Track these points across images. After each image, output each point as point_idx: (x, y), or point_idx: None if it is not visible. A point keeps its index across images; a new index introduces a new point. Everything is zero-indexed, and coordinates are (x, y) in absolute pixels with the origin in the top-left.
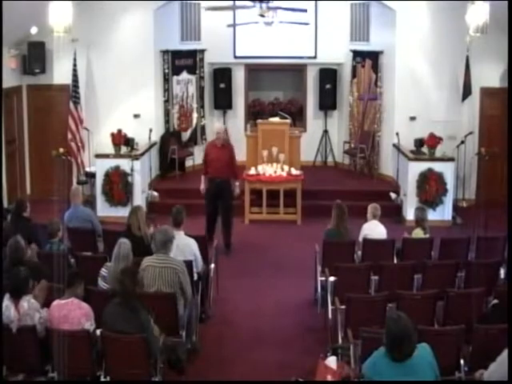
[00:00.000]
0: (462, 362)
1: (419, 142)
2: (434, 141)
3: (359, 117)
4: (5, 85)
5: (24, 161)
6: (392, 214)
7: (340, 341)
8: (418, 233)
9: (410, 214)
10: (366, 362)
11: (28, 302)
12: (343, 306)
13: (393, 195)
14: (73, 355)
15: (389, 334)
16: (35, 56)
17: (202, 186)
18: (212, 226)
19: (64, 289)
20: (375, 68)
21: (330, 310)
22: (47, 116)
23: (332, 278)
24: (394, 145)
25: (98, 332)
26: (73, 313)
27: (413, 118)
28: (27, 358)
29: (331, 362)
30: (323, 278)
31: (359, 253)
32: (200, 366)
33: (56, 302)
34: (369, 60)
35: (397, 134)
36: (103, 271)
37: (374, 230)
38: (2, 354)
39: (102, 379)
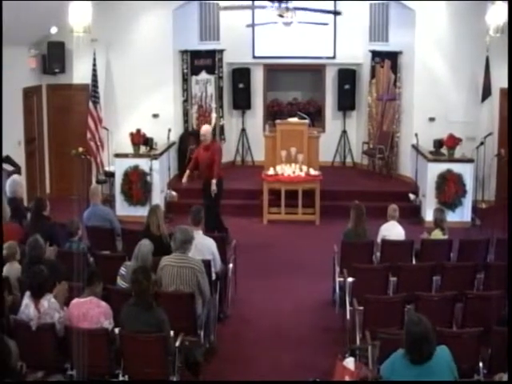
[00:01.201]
0: (480, 364)
1: (438, 143)
2: (453, 142)
3: (378, 117)
4: (25, 84)
5: (44, 160)
6: (411, 215)
7: (358, 342)
8: (437, 234)
9: (428, 215)
10: (384, 364)
11: (48, 302)
12: (361, 307)
13: (412, 196)
14: (91, 353)
15: (408, 335)
16: (55, 56)
17: (184, 180)
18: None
19: (83, 287)
20: (394, 68)
21: (348, 310)
22: (67, 115)
23: (350, 279)
24: (413, 145)
25: (117, 331)
26: (92, 311)
27: (432, 119)
28: (46, 355)
29: (349, 362)
30: (341, 279)
31: (377, 254)
32: (217, 365)
33: (75, 301)
34: (388, 60)
35: (416, 134)
36: (122, 270)
37: (393, 231)
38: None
39: (120, 378)
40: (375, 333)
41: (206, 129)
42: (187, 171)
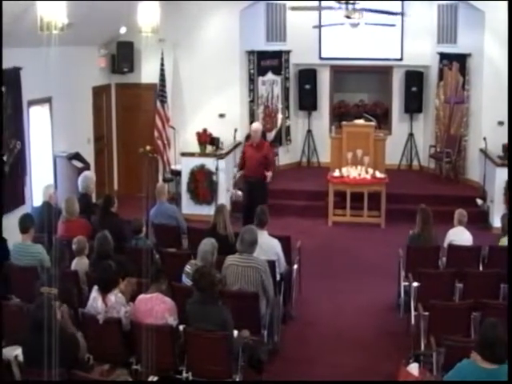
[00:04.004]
0: None
1: (507, 148)
2: None
3: (445, 120)
4: (94, 83)
5: (112, 157)
6: (478, 220)
7: (422, 347)
8: (505, 241)
9: (496, 221)
10: (450, 373)
11: (115, 296)
12: (426, 313)
13: (479, 201)
14: (156, 349)
15: (483, 336)
16: (124, 55)
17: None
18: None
19: (149, 284)
20: (463, 71)
21: (412, 315)
22: (135, 114)
23: (415, 284)
24: (482, 150)
25: (181, 327)
26: (157, 307)
27: (501, 123)
28: (112, 348)
29: (413, 368)
30: (406, 283)
31: (444, 259)
32: (280, 365)
33: (141, 296)
34: (456, 63)
35: (484, 138)
36: (187, 268)
37: (460, 236)
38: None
39: (184, 374)
40: (440, 339)
41: (257, 125)
42: (238, 173)
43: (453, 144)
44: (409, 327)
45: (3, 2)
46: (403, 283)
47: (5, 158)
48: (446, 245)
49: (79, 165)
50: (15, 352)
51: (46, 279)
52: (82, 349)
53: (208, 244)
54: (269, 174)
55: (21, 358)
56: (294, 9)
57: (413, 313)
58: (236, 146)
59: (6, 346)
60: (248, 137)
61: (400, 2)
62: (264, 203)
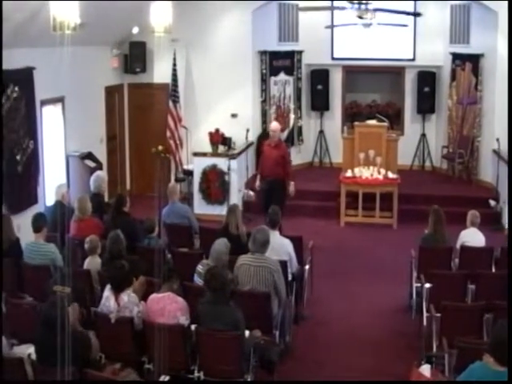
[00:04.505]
0: None
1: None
2: None
3: (458, 121)
4: (107, 83)
5: (124, 157)
6: (491, 221)
7: (434, 349)
8: None
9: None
10: (461, 375)
11: (128, 296)
12: (438, 314)
13: (492, 202)
14: (168, 348)
15: (496, 337)
16: (136, 55)
17: (258, 183)
18: None
19: (161, 283)
20: (475, 71)
21: (424, 316)
22: (147, 114)
23: (427, 285)
24: (494, 150)
25: (193, 327)
26: (169, 306)
27: None
28: (124, 348)
29: (425, 369)
30: (418, 284)
31: (456, 260)
32: (292, 366)
33: (153, 296)
34: (469, 63)
35: (497, 139)
36: (199, 268)
37: (473, 237)
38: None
39: (196, 374)
40: (452, 340)
41: (276, 125)
42: (258, 176)
43: (465, 145)
44: (421, 328)
45: (16, 2)
46: (415, 284)
47: (18, 158)
48: (458, 246)
49: (92, 164)
50: (28, 350)
51: (59, 278)
52: (94, 348)
53: (221, 244)
54: (291, 183)
55: (33, 356)
56: (305, 9)
57: (425, 314)
58: (248, 146)
59: (19, 344)
60: (260, 137)
61: (413, 2)
62: (281, 204)
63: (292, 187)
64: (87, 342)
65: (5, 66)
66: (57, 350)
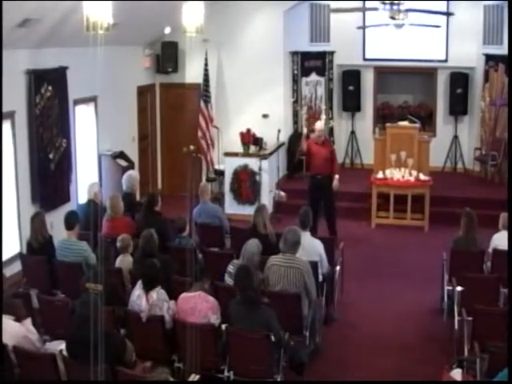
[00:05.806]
0: None
1: (508, 149)
2: None
3: (491, 123)
4: (139, 83)
5: (156, 156)
6: None
7: (466, 353)
8: None
9: None
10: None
11: (157, 293)
12: (470, 318)
13: None
14: (199, 347)
15: None
16: (168, 55)
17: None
18: (315, 223)
19: (192, 282)
20: (509, 72)
21: (456, 320)
22: (179, 114)
23: (459, 288)
24: None
25: (224, 327)
26: (200, 305)
27: None
28: (154, 346)
29: (456, 374)
30: (450, 287)
31: (488, 263)
32: (321, 367)
33: (184, 295)
34: (502, 64)
35: None
36: (230, 268)
37: (505, 240)
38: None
39: (226, 373)
40: (484, 345)
41: (321, 124)
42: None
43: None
44: (452, 332)
45: (52, 2)
46: (447, 287)
47: (51, 156)
48: (490, 249)
49: (123, 163)
50: (60, 346)
51: (91, 276)
52: (129, 351)
53: (253, 245)
54: (336, 177)
55: (65, 352)
56: (336, 10)
57: (456, 317)
58: (279, 146)
59: (51, 341)
60: (292, 137)
61: (445, 2)
62: (333, 204)
63: (336, 181)
64: (123, 344)
65: (39, 66)
66: (89, 347)
